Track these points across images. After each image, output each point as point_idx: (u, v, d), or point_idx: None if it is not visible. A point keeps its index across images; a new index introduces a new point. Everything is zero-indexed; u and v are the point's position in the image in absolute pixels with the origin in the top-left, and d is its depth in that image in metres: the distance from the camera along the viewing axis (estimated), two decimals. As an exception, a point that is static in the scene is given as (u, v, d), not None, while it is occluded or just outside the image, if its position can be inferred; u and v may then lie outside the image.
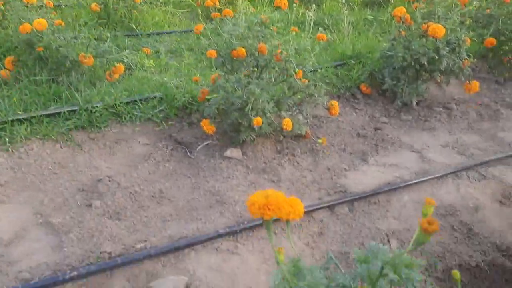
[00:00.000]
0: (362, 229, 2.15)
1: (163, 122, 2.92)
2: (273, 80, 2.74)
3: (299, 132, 2.79)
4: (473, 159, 2.71)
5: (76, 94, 2.88)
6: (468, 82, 3.21)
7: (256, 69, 2.70)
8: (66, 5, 4.82)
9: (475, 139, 3.01)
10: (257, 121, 2.49)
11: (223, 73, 2.77)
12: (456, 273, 0.98)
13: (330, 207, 2.25)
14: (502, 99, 3.65)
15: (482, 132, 3.10)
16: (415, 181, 2.45)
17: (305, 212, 2.18)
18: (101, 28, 4.14)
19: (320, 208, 2.22)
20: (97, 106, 2.81)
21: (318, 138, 2.82)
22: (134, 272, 1.78)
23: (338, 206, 2.27)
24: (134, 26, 4.51)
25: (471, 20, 3.87)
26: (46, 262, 1.78)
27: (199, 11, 4.11)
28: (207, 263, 1.85)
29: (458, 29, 3.18)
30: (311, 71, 2.95)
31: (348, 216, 2.24)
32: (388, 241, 2.12)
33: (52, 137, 2.64)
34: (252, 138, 2.69)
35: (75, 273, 1.69)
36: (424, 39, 3.15)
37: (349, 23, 4.61)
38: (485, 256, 2.08)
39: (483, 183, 2.50)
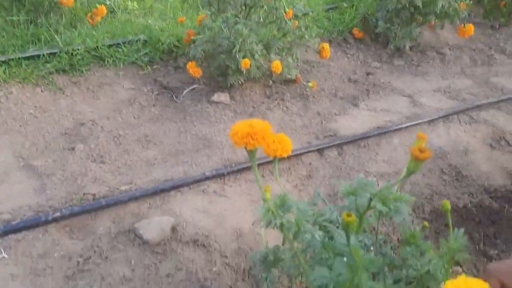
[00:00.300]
0: (351, 172, 2.13)
1: (148, 66, 2.81)
2: (262, 21, 2.63)
3: (289, 76, 2.71)
4: (464, 104, 2.67)
5: (56, 36, 2.75)
6: (463, 25, 3.11)
7: (244, 8, 2.58)
8: None
9: (467, 84, 2.96)
10: (245, 63, 2.40)
11: (209, 13, 2.65)
12: (446, 203, 0.95)
13: (319, 151, 2.21)
14: (496, 44, 3.57)
15: (475, 77, 3.05)
16: (405, 125, 2.41)
17: (294, 156, 2.15)
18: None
19: (309, 151, 2.18)
20: (78, 49, 2.69)
21: (308, 82, 2.74)
22: (119, 213, 1.75)
23: (327, 149, 2.24)
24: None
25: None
26: (28, 204, 1.74)
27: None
28: (194, 205, 1.83)
29: (455, -31, 3.06)
30: (302, 15, 2.83)
31: (337, 159, 2.21)
32: (378, 184, 2.10)
33: (32, 80, 2.53)
34: (240, 82, 2.61)
35: (58, 214, 1.65)
36: (419, -20, 3.03)
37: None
38: (472, 198, 2.08)
39: (474, 127, 2.47)
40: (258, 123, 0.93)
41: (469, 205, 2.05)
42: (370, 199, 0.98)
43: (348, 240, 0.75)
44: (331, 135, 2.36)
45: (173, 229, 1.69)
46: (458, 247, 0.87)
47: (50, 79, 2.59)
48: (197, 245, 1.67)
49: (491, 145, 2.38)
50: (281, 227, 0.94)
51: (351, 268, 0.77)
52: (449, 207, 0.97)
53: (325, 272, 0.85)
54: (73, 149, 2.13)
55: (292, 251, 0.94)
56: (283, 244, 1.21)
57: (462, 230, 0.93)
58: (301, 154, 2.15)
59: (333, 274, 0.80)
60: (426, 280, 0.91)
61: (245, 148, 0.95)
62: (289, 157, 2.13)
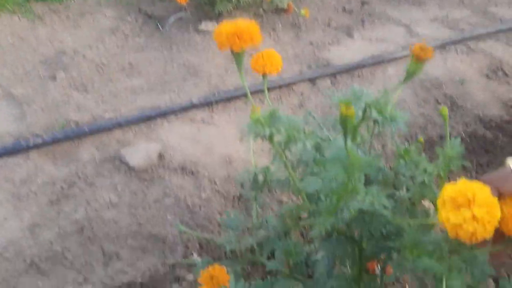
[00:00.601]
0: (344, 101, 2.06)
1: (132, -7, 2.66)
2: None
3: (280, 5, 2.58)
4: (462, 33, 2.58)
5: (31, -41, 2.56)
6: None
7: None
8: None
9: (465, 13, 2.84)
10: (234, -13, 2.26)
11: None
12: (445, 109, 0.90)
13: (312, 80, 2.14)
14: (497, -26, 3.41)
15: (474, 7, 2.92)
16: (401, 55, 2.32)
17: (285, 85, 2.08)
18: None
19: (301, 81, 2.10)
20: (56, -26, 2.52)
21: (301, 9, 2.61)
22: (104, 141, 1.69)
23: (320, 79, 2.16)
24: None
25: None
26: (8, 131, 1.68)
27: None
28: (182, 133, 1.77)
29: None
30: None
31: (330, 89, 2.13)
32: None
33: (8, 8, 2.39)
34: (228, 10, 2.48)
35: (39, 140, 1.59)
36: None
37: None
38: (467, 127, 2.04)
39: (471, 57, 2.39)
40: (244, 22, 0.84)
41: (463, 134, 2.01)
42: (365, 109, 0.92)
43: (345, 137, 0.69)
44: (324, 65, 2.27)
45: (160, 156, 1.64)
46: (454, 155, 0.83)
47: (28, 6, 2.45)
48: (186, 172, 1.62)
49: (487, 75, 2.32)
50: (270, 137, 0.88)
51: (346, 170, 0.72)
52: (447, 112, 0.92)
53: (317, 180, 0.80)
54: (54, 77, 2.04)
55: (282, 162, 0.88)
56: (273, 167, 1.16)
57: (459, 138, 0.88)
58: (292, 83, 2.07)
59: (326, 178, 0.76)
60: (421, 191, 0.87)
61: (231, 51, 0.87)
62: (280, 86, 2.06)
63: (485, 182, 0.72)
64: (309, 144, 0.90)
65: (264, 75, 0.96)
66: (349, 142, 0.79)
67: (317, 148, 0.97)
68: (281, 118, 0.92)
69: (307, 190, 0.79)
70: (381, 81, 2.20)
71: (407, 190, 0.93)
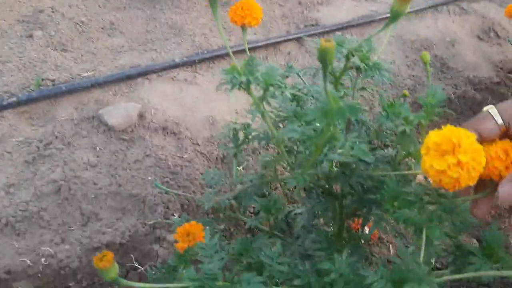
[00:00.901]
0: (332, 62, 2.01)
1: (113, -50, 2.53)
2: None
3: (269, -38, 2.48)
4: (455, -6, 2.51)
5: None
6: None
7: None
8: None
9: (460, -26, 2.76)
10: None
11: None
12: (426, 54, 0.86)
13: (299, 40, 2.07)
14: None
15: (468, -33, 2.84)
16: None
17: (271, 44, 2.01)
18: None
19: (288, 40, 2.03)
20: None
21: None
22: (82, 100, 1.63)
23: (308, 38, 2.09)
24: None
25: None
26: (-19, 90, 1.61)
27: None
28: (163, 92, 1.71)
29: None
30: None
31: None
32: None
33: (-18, -37, 2.26)
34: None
35: (14, 99, 1.53)
36: None
37: None
38: (456, 89, 2.01)
39: (463, 18, 2.33)
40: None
41: (452, 96, 1.97)
42: (347, 56, 0.87)
43: (324, 75, 0.63)
44: (312, 25, 2.20)
45: (141, 115, 1.59)
46: (436, 103, 0.79)
47: (3, -38, 2.32)
48: (167, 132, 1.58)
49: (479, 36, 2.26)
50: (247, 86, 0.83)
51: (325, 115, 0.67)
52: (428, 58, 0.88)
53: (294, 128, 0.76)
54: (31, 36, 1.95)
55: (260, 111, 0.84)
56: (252, 121, 1.11)
57: (441, 86, 0.84)
58: (279, 42, 2.01)
59: (305, 126, 0.72)
60: (402, 141, 0.83)
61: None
62: (266, 46, 1.99)
63: (465, 127, 0.70)
64: (288, 94, 0.85)
65: (243, 27, 0.91)
66: (329, 85, 0.75)
67: (297, 99, 0.93)
68: (258, 66, 0.87)
69: (286, 138, 0.75)
70: (381, 47, 2.14)
71: (391, 144, 0.90)
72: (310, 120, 0.68)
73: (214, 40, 2.00)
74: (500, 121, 0.62)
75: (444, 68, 2.07)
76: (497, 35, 2.27)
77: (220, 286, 0.77)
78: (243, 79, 0.82)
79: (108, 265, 0.67)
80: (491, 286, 1.17)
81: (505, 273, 0.70)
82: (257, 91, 0.88)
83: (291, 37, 2.03)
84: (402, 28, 2.22)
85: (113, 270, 0.68)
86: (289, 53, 2.01)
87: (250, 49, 1.92)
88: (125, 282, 0.69)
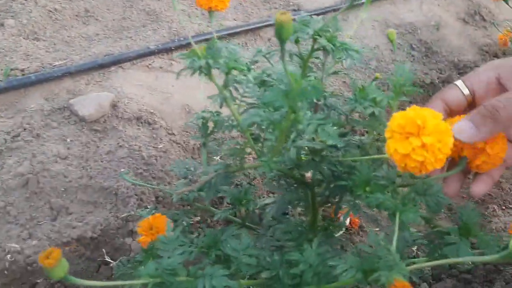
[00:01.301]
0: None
1: None
2: None
3: None
4: (440, -23, 2.46)
5: None
6: None
7: None
8: None
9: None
10: None
11: None
12: (392, 32, 0.82)
13: (280, 26, 2.01)
14: None
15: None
16: (375, -1, 2.21)
17: (251, 30, 1.95)
18: None
19: (269, 25, 1.98)
20: None
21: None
22: (53, 90, 1.57)
23: (289, 24, 2.04)
24: None
25: None
26: None
27: None
28: (138, 81, 1.65)
29: None
30: None
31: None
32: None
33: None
34: (194, -48, 2.31)
35: (-21, 90, 1.46)
36: None
37: None
38: (440, 74, 1.97)
39: (448, 1, 2.29)
40: None
41: (436, 81, 1.93)
42: (314, 37, 0.83)
43: (282, 51, 0.59)
44: (294, 10, 2.15)
45: (114, 105, 1.53)
46: (404, 82, 0.75)
47: (-27, -51, 2.23)
48: (141, 122, 1.52)
49: (464, 19, 2.22)
50: (207, 69, 0.78)
51: (287, 96, 0.62)
52: (394, 36, 0.83)
53: (257, 112, 0.71)
54: (2, 25, 1.87)
55: (221, 97, 0.79)
56: (220, 107, 1.06)
57: (408, 64, 0.80)
58: (259, 28, 1.95)
59: (267, 109, 0.67)
60: (371, 124, 0.79)
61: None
62: (246, 32, 1.94)
63: (432, 99, 0.69)
64: (251, 77, 0.81)
65: (210, 11, 0.85)
66: (297, 68, 0.70)
67: (262, 83, 0.88)
68: (220, 49, 0.82)
69: (246, 123, 0.70)
70: (354, 26, 2.09)
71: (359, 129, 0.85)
72: (269, 101, 0.64)
73: (192, 27, 1.94)
74: (466, 91, 0.62)
75: (429, 53, 2.03)
76: (483, 18, 2.23)
77: (181, 282, 0.73)
78: (202, 62, 0.77)
79: (54, 263, 0.62)
80: (472, 273, 1.14)
81: (480, 258, 0.66)
82: (222, 77, 0.84)
83: (272, 22, 1.98)
84: (386, 12, 2.18)
85: (61, 269, 0.62)
86: (269, 39, 1.96)
87: (229, 35, 1.87)
88: (74, 280, 0.64)
